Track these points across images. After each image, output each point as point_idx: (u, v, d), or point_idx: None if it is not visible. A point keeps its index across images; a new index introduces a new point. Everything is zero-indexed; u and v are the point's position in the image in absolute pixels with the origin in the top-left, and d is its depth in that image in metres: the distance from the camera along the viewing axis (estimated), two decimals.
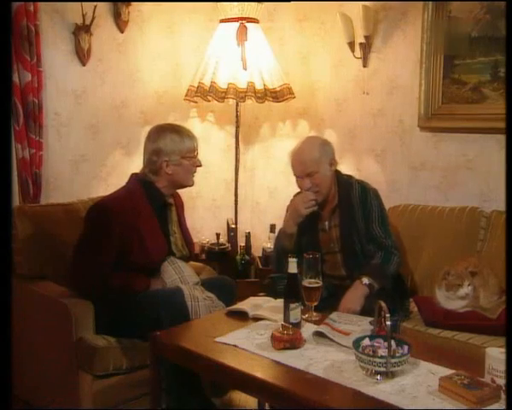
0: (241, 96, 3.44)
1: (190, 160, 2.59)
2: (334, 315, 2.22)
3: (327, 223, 2.71)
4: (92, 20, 3.23)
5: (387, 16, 3.38)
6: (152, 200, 2.56)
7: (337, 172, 2.73)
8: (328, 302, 2.42)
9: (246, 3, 3.47)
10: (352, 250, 2.65)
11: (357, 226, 2.64)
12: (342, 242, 2.67)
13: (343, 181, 2.72)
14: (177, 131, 2.60)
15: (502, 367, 1.60)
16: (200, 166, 2.65)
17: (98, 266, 2.38)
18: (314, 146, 2.66)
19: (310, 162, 2.61)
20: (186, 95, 3.58)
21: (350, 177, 2.78)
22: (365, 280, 2.48)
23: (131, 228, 2.44)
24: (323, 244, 2.70)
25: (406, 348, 1.78)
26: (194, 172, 2.64)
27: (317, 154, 2.63)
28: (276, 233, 2.90)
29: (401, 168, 3.42)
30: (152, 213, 2.55)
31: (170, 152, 2.54)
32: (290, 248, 2.60)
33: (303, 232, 2.69)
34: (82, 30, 3.22)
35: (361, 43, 3.43)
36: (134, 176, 2.63)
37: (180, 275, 2.52)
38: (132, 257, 2.44)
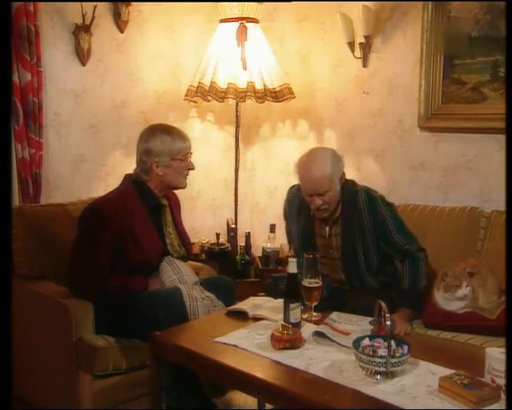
0: (241, 96, 3.43)
1: (181, 162, 2.54)
2: (334, 315, 2.23)
3: (327, 229, 2.62)
4: (92, 20, 3.22)
5: (387, 16, 3.38)
6: (145, 201, 2.54)
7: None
8: (329, 303, 2.41)
9: (246, 3, 3.46)
10: (353, 260, 2.56)
11: (361, 235, 2.54)
12: (343, 251, 2.58)
13: (348, 189, 2.59)
14: (168, 131, 2.56)
15: (502, 367, 1.60)
16: (193, 168, 2.60)
17: (94, 268, 2.38)
18: (326, 162, 2.49)
19: (323, 180, 2.46)
20: (186, 95, 3.58)
21: (354, 183, 2.65)
22: (406, 311, 2.43)
23: (125, 228, 2.43)
24: (321, 248, 2.61)
25: (406, 348, 1.78)
26: (187, 174, 2.59)
27: (329, 171, 2.48)
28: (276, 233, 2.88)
29: (401, 168, 3.41)
30: (145, 215, 2.53)
31: (160, 153, 2.50)
32: None
33: (301, 234, 2.67)
34: (82, 30, 3.22)
35: (361, 43, 3.43)
36: (127, 177, 2.62)
37: (179, 275, 2.52)
38: (129, 257, 2.43)
